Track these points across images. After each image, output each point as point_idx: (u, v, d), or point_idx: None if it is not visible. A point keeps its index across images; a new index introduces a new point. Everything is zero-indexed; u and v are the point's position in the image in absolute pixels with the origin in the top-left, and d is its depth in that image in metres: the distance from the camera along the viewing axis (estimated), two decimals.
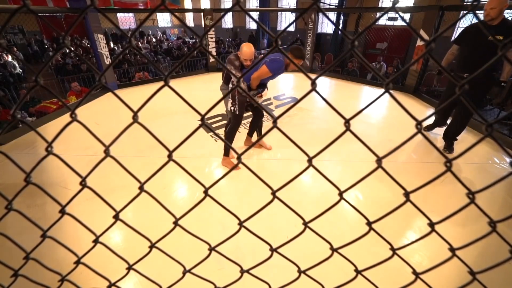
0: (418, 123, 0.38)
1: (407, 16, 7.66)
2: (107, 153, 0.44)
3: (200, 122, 0.43)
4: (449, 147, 2.93)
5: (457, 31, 7.72)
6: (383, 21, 8.60)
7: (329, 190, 2.24)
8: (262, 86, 2.59)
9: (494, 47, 2.22)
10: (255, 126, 2.88)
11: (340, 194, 0.47)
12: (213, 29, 7.67)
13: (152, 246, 0.56)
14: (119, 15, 14.35)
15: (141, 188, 0.49)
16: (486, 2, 2.33)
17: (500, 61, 2.63)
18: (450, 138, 2.91)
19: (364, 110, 0.42)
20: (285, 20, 12.85)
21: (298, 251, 1.71)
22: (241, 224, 0.52)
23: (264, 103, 4.46)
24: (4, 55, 8.55)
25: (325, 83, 5.97)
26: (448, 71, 0.37)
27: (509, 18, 2.47)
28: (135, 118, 0.42)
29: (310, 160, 0.43)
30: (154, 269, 1.62)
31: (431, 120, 3.30)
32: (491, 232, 0.43)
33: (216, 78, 6.26)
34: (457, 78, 0.35)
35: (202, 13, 6.25)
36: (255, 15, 10.35)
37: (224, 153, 2.65)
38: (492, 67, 2.48)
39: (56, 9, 4.59)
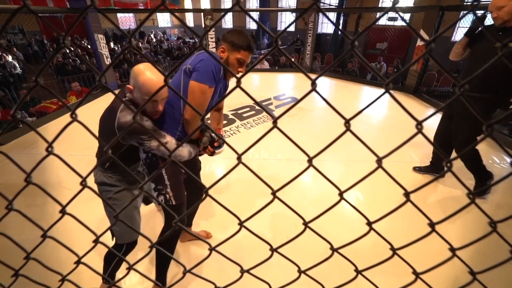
0: (418, 123, 0.38)
1: (407, 16, 7.67)
2: (107, 153, 0.44)
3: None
4: (478, 187, 2.23)
5: (457, 31, 7.71)
6: (383, 21, 8.60)
7: (329, 190, 2.24)
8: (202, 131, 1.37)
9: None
10: (193, 212, 1.80)
11: (340, 194, 0.46)
12: (213, 29, 7.66)
13: (152, 246, 0.56)
14: (119, 15, 14.35)
15: (141, 188, 0.49)
16: (489, 2, 1.78)
17: None
18: (476, 176, 2.24)
19: (364, 110, 0.41)
20: (285, 20, 12.86)
21: (298, 251, 1.71)
22: (241, 224, 0.52)
23: (264, 103, 4.46)
24: (5, 55, 8.56)
25: (325, 83, 5.97)
26: (448, 71, 0.37)
27: None
28: (135, 118, 0.42)
29: (310, 160, 0.43)
30: (154, 269, 1.62)
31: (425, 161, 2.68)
32: (492, 232, 0.43)
33: None
34: (458, 80, 0.35)
35: (202, 13, 6.25)
36: (255, 15, 10.35)
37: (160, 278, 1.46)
38: (508, 84, 1.84)
39: (56, 9, 4.60)
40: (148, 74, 1.09)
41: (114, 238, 1.31)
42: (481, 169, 2.20)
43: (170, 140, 1.20)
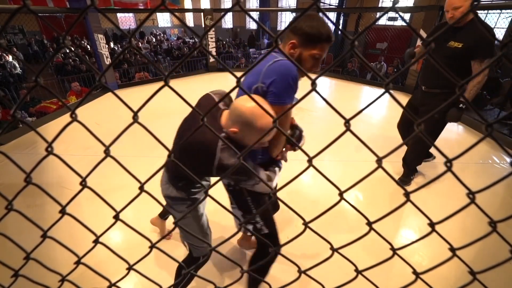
0: (418, 123, 0.38)
1: (407, 16, 7.66)
2: (107, 153, 0.44)
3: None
4: (405, 177, 2.42)
5: None
6: (383, 21, 8.60)
7: (330, 190, 2.24)
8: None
9: (458, 57, 1.84)
10: None
11: (340, 194, 0.46)
12: (213, 29, 7.67)
13: (152, 246, 0.56)
14: (119, 15, 14.35)
15: (141, 188, 0.49)
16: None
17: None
18: (407, 165, 2.40)
19: (364, 110, 0.41)
20: (285, 20, 12.85)
21: (299, 251, 1.71)
22: (241, 224, 0.53)
23: None
24: (5, 55, 8.56)
25: (325, 83, 5.97)
26: (449, 71, 0.37)
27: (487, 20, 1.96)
28: (135, 118, 0.42)
29: (310, 160, 0.43)
30: (154, 269, 1.62)
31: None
32: (492, 232, 0.42)
33: (217, 78, 6.26)
34: (457, 79, 0.35)
35: (202, 13, 6.25)
36: (255, 15, 10.36)
37: None
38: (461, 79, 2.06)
39: (56, 9, 4.60)
40: (268, 119, 0.91)
41: (189, 251, 1.26)
42: (416, 164, 2.40)
43: (262, 176, 1.07)
